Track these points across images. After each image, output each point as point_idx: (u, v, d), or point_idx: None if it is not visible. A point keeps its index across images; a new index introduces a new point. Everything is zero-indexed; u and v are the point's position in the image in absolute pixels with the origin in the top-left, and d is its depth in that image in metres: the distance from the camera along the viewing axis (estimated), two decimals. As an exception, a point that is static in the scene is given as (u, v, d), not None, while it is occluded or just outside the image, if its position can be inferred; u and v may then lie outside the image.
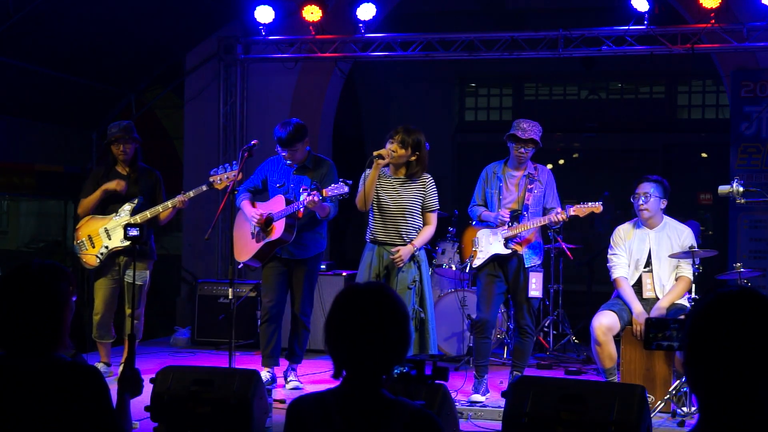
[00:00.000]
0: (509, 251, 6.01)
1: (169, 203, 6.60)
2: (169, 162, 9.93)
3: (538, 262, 6.16)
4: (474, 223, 6.28)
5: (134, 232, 5.01)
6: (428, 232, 5.96)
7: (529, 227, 6.00)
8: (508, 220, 5.98)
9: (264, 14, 8.88)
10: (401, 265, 5.80)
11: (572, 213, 5.98)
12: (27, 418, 2.60)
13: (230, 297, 6.00)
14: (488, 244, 6.07)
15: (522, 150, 6.00)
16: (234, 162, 6.43)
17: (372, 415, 2.34)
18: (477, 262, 6.09)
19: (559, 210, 5.98)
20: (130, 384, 2.99)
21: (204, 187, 6.52)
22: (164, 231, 7.54)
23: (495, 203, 6.11)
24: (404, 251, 5.82)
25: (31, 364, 2.65)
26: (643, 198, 5.98)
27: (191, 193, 6.61)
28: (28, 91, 8.61)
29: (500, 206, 6.09)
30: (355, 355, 2.36)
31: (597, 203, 6.00)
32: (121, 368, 6.31)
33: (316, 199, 5.85)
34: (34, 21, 7.62)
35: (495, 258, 6.06)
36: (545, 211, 6.09)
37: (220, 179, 6.39)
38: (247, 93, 9.51)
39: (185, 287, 9.57)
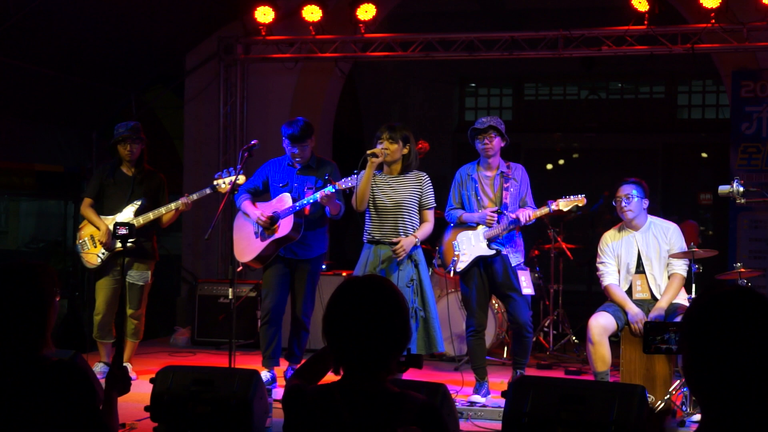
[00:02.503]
0: (493, 251, 6.00)
1: (172, 206, 6.60)
2: (169, 162, 9.92)
3: (522, 260, 6.18)
4: (450, 226, 6.24)
5: (122, 231, 4.99)
6: (427, 228, 5.96)
7: (507, 227, 5.99)
8: (496, 217, 5.97)
9: (264, 14, 8.88)
10: (403, 256, 5.78)
11: (555, 208, 5.99)
12: (12, 418, 2.60)
13: (230, 297, 6.01)
14: (470, 246, 6.04)
15: (486, 141, 5.99)
16: (239, 167, 6.42)
17: (380, 407, 2.33)
18: (461, 266, 6.05)
19: (524, 210, 5.96)
20: (118, 382, 2.98)
21: (208, 191, 6.55)
22: (164, 231, 7.53)
23: (474, 204, 6.10)
24: (406, 242, 5.80)
25: (16, 364, 2.65)
26: (625, 200, 5.99)
27: (195, 196, 6.63)
28: (28, 91, 8.60)
29: (480, 206, 6.08)
30: (356, 348, 2.36)
31: (580, 196, 6.03)
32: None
33: (329, 193, 5.88)
34: (34, 21, 7.62)
35: (479, 260, 6.05)
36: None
37: (224, 183, 6.41)
38: (247, 93, 9.50)
39: (185, 287, 9.57)
